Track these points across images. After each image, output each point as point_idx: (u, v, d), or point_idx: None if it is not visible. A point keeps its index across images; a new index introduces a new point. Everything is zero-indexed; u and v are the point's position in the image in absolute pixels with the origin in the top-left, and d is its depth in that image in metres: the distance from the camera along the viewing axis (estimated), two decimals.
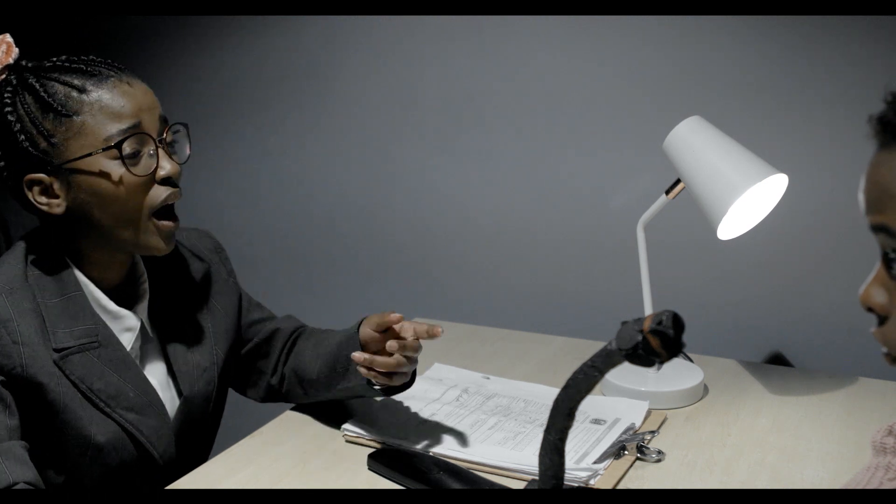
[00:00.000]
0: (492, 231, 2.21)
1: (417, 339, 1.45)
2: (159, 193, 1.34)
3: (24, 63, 1.34)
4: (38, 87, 1.30)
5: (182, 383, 1.47)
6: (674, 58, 1.95)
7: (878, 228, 0.84)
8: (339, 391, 1.54)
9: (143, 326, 1.44)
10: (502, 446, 1.49)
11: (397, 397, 1.64)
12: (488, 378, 1.78)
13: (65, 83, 1.30)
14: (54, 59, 1.34)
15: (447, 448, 1.48)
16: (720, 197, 1.56)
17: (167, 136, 1.36)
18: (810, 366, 1.93)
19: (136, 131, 1.31)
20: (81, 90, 1.30)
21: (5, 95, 1.31)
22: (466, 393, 1.70)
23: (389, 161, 2.29)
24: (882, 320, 0.87)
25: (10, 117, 1.29)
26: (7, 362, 1.26)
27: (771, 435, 1.56)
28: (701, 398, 1.71)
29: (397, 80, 2.23)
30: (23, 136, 1.29)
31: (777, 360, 1.98)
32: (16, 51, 1.33)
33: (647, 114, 1.99)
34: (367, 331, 1.48)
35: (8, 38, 1.34)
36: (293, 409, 1.66)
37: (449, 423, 1.57)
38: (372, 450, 1.48)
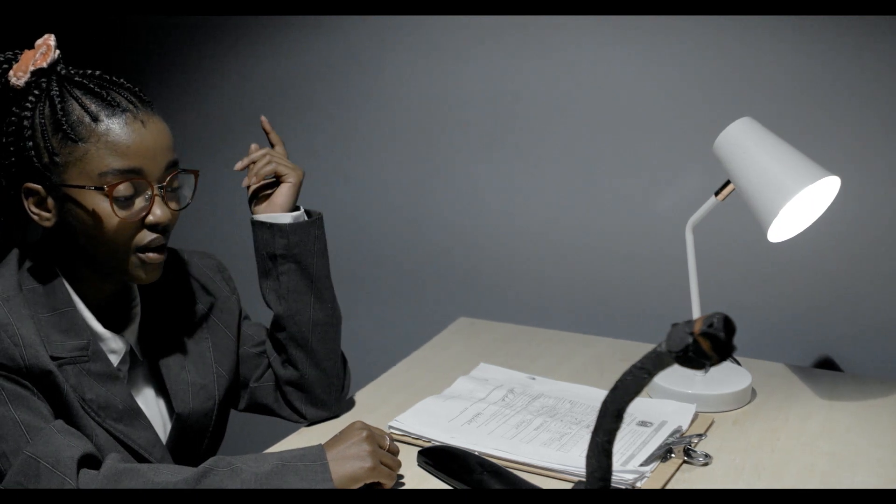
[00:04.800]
0: (538, 231, 2.21)
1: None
2: (143, 237, 1.33)
3: (58, 69, 1.32)
4: (57, 102, 1.28)
5: (175, 401, 1.46)
6: (725, 59, 1.94)
7: None
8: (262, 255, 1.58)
9: (131, 350, 1.44)
10: (548, 447, 1.48)
11: (442, 397, 1.65)
12: (534, 378, 1.78)
13: (82, 105, 1.29)
14: (88, 72, 1.33)
15: (493, 448, 1.48)
16: (771, 199, 1.54)
17: (169, 183, 1.34)
18: (860, 371, 1.91)
19: (133, 176, 1.29)
20: (94, 118, 1.28)
21: (29, 99, 1.30)
22: (512, 393, 1.70)
23: (435, 161, 2.30)
24: None
25: (26, 122, 1.29)
26: (13, 364, 1.27)
27: (820, 440, 1.54)
28: (749, 402, 1.69)
29: (442, 81, 2.24)
30: (31, 144, 1.29)
31: (826, 364, 1.96)
32: (54, 54, 1.31)
33: (697, 115, 1.98)
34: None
35: (51, 39, 1.31)
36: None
37: (494, 423, 1.57)
38: (420, 447, 1.49)
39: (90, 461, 1.25)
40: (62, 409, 1.31)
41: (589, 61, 2.07)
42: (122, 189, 1.29)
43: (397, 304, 2.42)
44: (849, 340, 1.94)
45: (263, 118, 1.63)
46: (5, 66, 1.34)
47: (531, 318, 2.18)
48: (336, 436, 1.35)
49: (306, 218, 1.58)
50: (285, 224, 1.55)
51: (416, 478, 1.43)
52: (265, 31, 2.44)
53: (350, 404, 1.68)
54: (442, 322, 2.16)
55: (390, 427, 1.56)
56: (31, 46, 1.33)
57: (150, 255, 1.35)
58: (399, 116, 2.32)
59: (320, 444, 1.32)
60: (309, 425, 1.62)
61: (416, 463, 1.46)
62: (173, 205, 1.36)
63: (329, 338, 1.59)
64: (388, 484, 1.34)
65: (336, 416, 1.64)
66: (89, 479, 1.22)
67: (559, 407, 1.64)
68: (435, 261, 2.34)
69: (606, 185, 2.11)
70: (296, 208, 1.58)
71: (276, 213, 1.56)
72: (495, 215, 2.25)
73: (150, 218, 1.32)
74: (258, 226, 1.56)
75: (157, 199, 1.32)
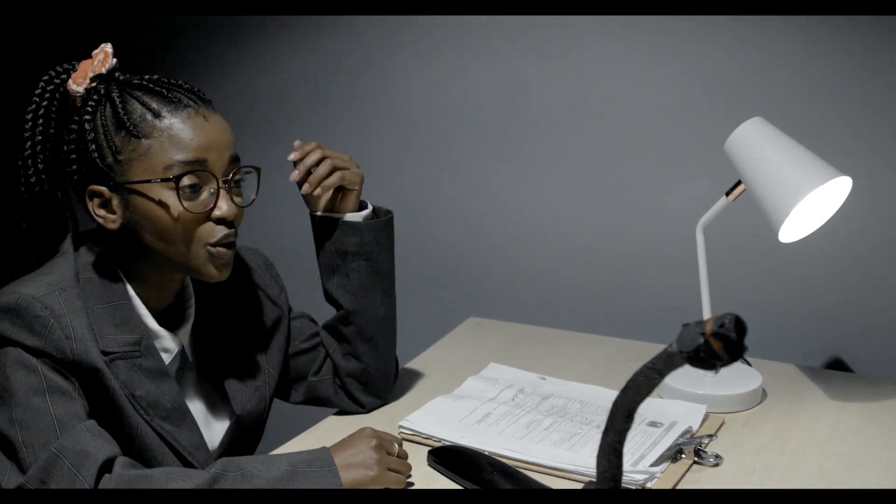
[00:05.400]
0: (548, 231, 2.21)
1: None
2: (213, 232, 1.34)
3: (116, 75, 1.34)
4: (118, 102, 1.30)
5: (234, 403, 1.48)
6: (736, 58, 1.93)
7: None
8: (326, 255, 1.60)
9: (182, 351, 1.44)
10: (558, 447, 1.48)
11: (452, 396, 1.65)
12: (544, 378, 1.78)
13: (143, 104, 1.30)
14: (146, 76, 1.34)
15: (503, 448, 1.48)
16: (782, 199, 1.54)
17: (233, 177, 1.35)
18: (871, 372, 1.90)
19: (198, 168, 1.31)
20: (156, 114, 1.30)
21: (89, 103, 1.32)
22: (522, 393, 1.70)
23: (445, 161, 2.30)
24: None
25: (87, 126, 1.30)
26: (62, 356, 1.27)
27: (831, 441, 1.54)
28: (759, 402, 1.69)
29: (455, 81, 2.24)
30: (93, 147, 1.30)
31: (837, 365, 1.95)
32: (112, 61, 1.34)
33: (707, 115, 1.97)
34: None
35: (108, 47, 1.35)
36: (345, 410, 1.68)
37: (505, 422, 1.57)
38: (430, 447, 1.49)
39: (114, 465, 1.24)
40: (110, 407, 1.31)
41: (600, 61, 2.07)
42: (188, 180, 1.30)
43: (407, 303, 2.41)
44: (859, 341, 1.93)
45: (291, 157, 1.58)
46: (63, 76, 1.36)
47: (541, 318, 2.18)
48: (344, 440, 1.35)
49: (373, 214, 1.61)
50: (360, 222, 1.57)
51: (426, 477, 1.43)
52: (276, 32, 2.44)
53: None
54: (452, 322, 2.16)
55: (400, 427, 1.56)
56: (86, 57, 1.36)
57: (220, 249, 1.35)
58: (410, 116, 2.32)
59: (326, 448, 1.32)
60: (346, 415, 1.65)
61: (427, 463, 1.46)
62: (238, 200, 1.37)
63: (391, 331, 1.63)
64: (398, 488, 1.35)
65: (387, 402, 1.68)
66: (105, 484, 1.22)
67: (569, 407, 1.64)
68: (445, 261, 2.34)
69: (617, 185, 2.11)
70: (361, 205, 1.61)
71: (343, 213, 1.58)
72: (505, 215, 2.25)
73: (217, 212, 1.33)
74: (329, 224, 1.58)
75: (223, 192, 1.33)
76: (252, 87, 2.52)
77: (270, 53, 2.47)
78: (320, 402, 1.66)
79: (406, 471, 1.38)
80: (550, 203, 2.19)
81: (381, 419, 1.62)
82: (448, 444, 1.50)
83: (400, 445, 1.40)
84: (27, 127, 1.35)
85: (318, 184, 1.55)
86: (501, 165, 2.23)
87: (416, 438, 1.54)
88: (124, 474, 1.22)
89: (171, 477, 1.23)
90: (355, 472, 1.29)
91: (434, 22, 2.22)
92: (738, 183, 1.65)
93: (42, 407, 1.25)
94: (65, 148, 1.34)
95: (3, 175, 1.52)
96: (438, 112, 2.28)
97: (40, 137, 1.35)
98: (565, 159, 2.15)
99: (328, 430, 1.59)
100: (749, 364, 1.78)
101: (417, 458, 1.45)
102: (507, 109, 2.19)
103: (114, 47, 1.36)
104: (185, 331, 1.45)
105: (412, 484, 1.40)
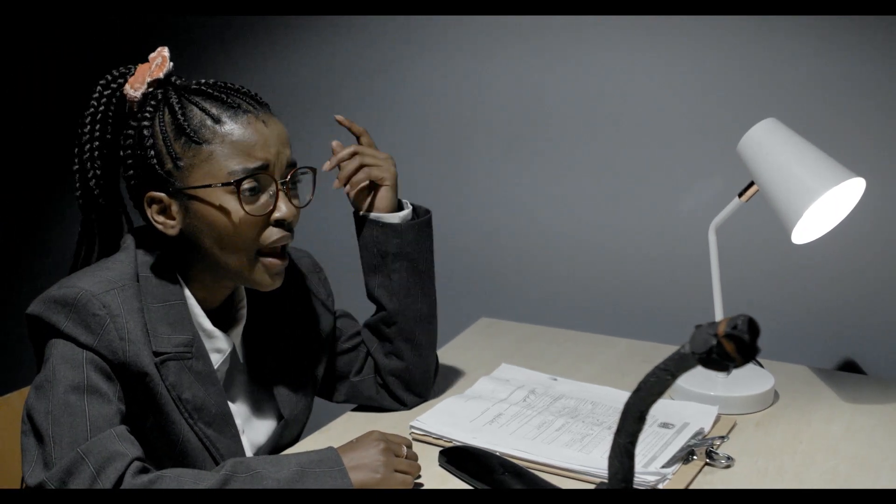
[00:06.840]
0: (560, 232, 2.20)
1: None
2: (270, 234, 1.35)
3: (173, 80, 1.35)
4: (177, 108, 1.30)
5: (283, 407, 1.50)
6: (749, 60, 1.93)
7: None
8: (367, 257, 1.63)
9: (233, 351, 1.45)
10: (569, 448, 1.48)
11: (464, 397, 1.65)
12: (556, 379, 1.78)
13: (203, 110, 1.31)
14: (202, 80, 1.35)
15: (514, 448, 1.48)
16: (795, 200, 1.54)
17: (291, 179, 1.36)
18: (884, 374, 1.90)
19: (259, 171, 1.32)
20: (216, 120, 1.30)
21: (147, 109, 1.32)
22: (534, 394, 1.69)
23: (458, 162, 2.30)
24: None
25: (145, 132, 1.31)
26: (112, 357, 1.28)
27: (843, 443, 1.53)
28: (771, 404, 1.68)
29: (467, 82, 2.24)
30: (152, 153, 1.30)
31: (850, 367, 1.95)
32: (169, 65, 1.34)
33: (720, 116, 1.97)
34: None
35: (165, 51, 1.35)
36: (359, 408, 1.68)
37: (516, 423, 1.57)
38: (441, 447, 1.49)
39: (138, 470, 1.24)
40: (155, 410, 1.32)
41: (613, 63, 2.07)
42: (248, 184, 1.31)
43: None
44: (872, 343, 1.93)
45: (338, 117, 1.62)
46: (120, 80, 1.36)
47: (553, 318, 2.17)
48: (351, 442, 1.35)
49: (413, 214, 1.62)
50: (400, 224, 1.58)
51: (437, 478, 1.43)
52: (288, 32, 2.44)
53: (369, 405, 1.68)
54: (463, 322, 2.16)
55: (412, 427, 1.56)
56: (143, 60, 1.36)
57: (271, 260, 1.36)
58: (423, 117, 2.32)
59: (333, 448, 1.32)
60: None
61: (438, 463, 1.46)
62: (296, 202, 1.38)
63: (431, 329, 1.65)
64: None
65: (428, 400, 1.69)
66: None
67: (581, 408, 1.64)
68: (457, 261, 2.34)
69: (629, 186, 2.10)
70: (399, 203, 1.62)
71: (381, 213, 1.58)
72: (517, 216, 2.25)
73: (276, 214, 1.34)
74: (369, 223, 1.59)
75: (282, 194, 1.35)
76: (263, 88, 2.51)
77: (283, 54, 2.47)
78: (361, 401, 1.67)
79: (414, 472, 1.38)
80: (562, 204, 2.19)
81: (393, 420, 1.62)
82: (459, 444, 1.50)
83: (409, 447, 1.40)
84: (84, 131, 1.36)
85: (347, 180, 1.58)
86: (513, 166, 2.23)
87: (428, 439, 1.54)
88: (134, 483, 1.21)
89: (183, 481, 1.23)
90: (362, 473, 1.29)
91: (448, 24, 2.22)
92: (751, 184, 1.64)
93: (78, 406, 1.24)
94: (121, 153, 1.34)
95: (2, 174, 1.52)
96: (451, 113, 2.28)
97: (98, 143, 1.36)
98: (577, 160, 2.15)
99: (337, 431, 1.59)
100: (761, 366, 1.77)
101: (428, 458, 1.45)
102: (520, 111, 2.19)
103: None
104: (237, 332, 1.46)
105: (422, 484, 1.40)
